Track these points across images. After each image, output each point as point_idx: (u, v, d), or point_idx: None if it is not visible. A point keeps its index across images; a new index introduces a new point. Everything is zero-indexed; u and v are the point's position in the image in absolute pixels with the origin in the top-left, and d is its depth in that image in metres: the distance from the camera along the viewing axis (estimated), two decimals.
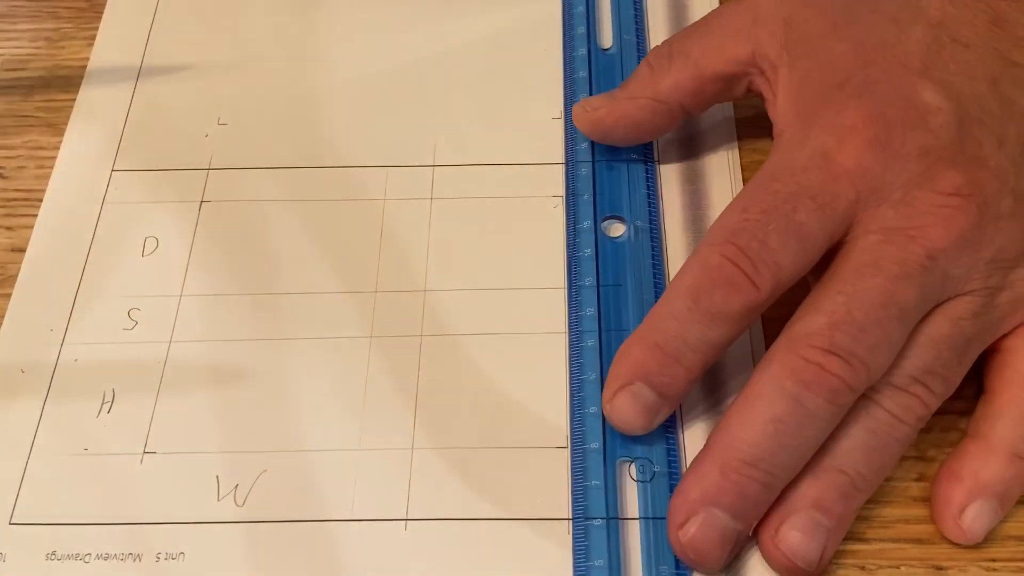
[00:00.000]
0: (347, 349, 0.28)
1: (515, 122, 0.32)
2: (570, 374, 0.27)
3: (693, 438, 0.26)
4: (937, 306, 0.24)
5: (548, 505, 0.25)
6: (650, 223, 0.29)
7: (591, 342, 0.27)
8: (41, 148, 0.32)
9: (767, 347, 0.27)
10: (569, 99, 0.32)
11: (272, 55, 0.34)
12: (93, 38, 0.35)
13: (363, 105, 0.33)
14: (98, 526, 0.25)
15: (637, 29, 0.33)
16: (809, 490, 0.23)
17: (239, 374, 0.27)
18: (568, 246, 0.29)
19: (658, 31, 0.34)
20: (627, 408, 0.24)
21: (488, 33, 0.34)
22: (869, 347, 0.22)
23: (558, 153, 0.31)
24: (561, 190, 0.30)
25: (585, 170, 0.30)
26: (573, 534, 0.24)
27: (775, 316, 0.28)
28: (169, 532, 0.25)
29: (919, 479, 0.25)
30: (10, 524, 0.25)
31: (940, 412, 0.26)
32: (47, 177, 0.31)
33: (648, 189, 0.30)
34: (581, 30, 0.33)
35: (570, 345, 0.27)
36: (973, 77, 0.25)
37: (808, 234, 0.24)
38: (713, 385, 0.27)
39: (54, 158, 0.32)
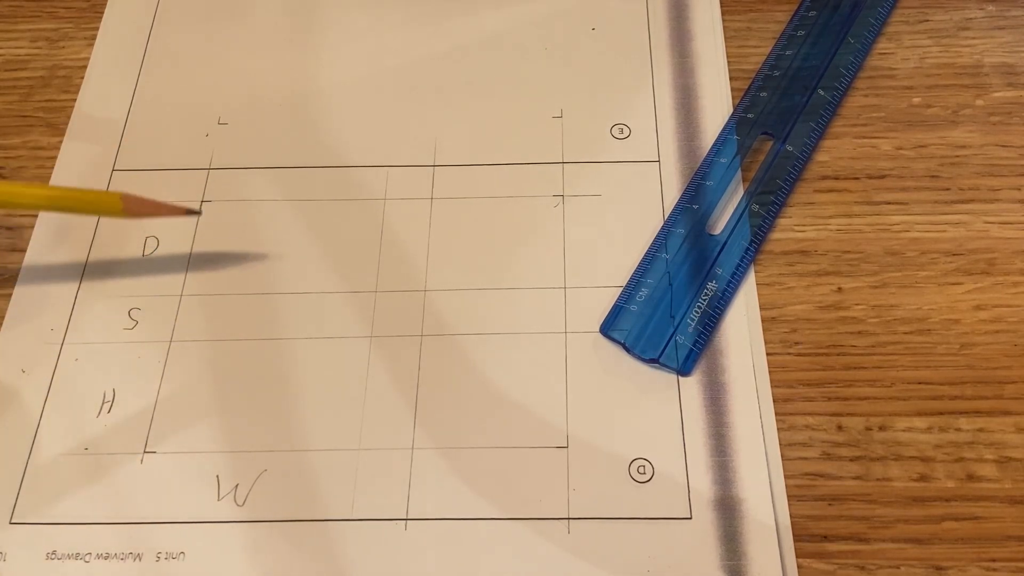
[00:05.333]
0: (347, 349, 0.28)
1: (515, 122, 0.32)
2: None
3: (693, 438, 0.26)
4: None
5: (548, 505, 0.25)
6: None
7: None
8: (41, 148, 0.32)
9: (766, 346, 0.27)
10: None
11: (272, 55, 0.34)
12: (93, 38, 0.35)
13: (363, 105, 0.33)
14: (98, 526, 0.25)
15: None
16: None
17: (239, 374, 0.27)
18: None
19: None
20: None
21: (488, 32, 0.34)
22: None
23: (558, 153, 0.31)
24: (561, 190, 0.30)
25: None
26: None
27: (775, 316, 0.28)
28: (169, 532, 0.25)
29: (919, 479, 0.26)
30: (10, 524, 0.25)
31: (940, 412, 0.26)
32: (47, 177, 0.31)
33: None
34: None
35: None
36: None
37: None
38: (714, 386, 0.27)
39: (54, 158, 0.32)
